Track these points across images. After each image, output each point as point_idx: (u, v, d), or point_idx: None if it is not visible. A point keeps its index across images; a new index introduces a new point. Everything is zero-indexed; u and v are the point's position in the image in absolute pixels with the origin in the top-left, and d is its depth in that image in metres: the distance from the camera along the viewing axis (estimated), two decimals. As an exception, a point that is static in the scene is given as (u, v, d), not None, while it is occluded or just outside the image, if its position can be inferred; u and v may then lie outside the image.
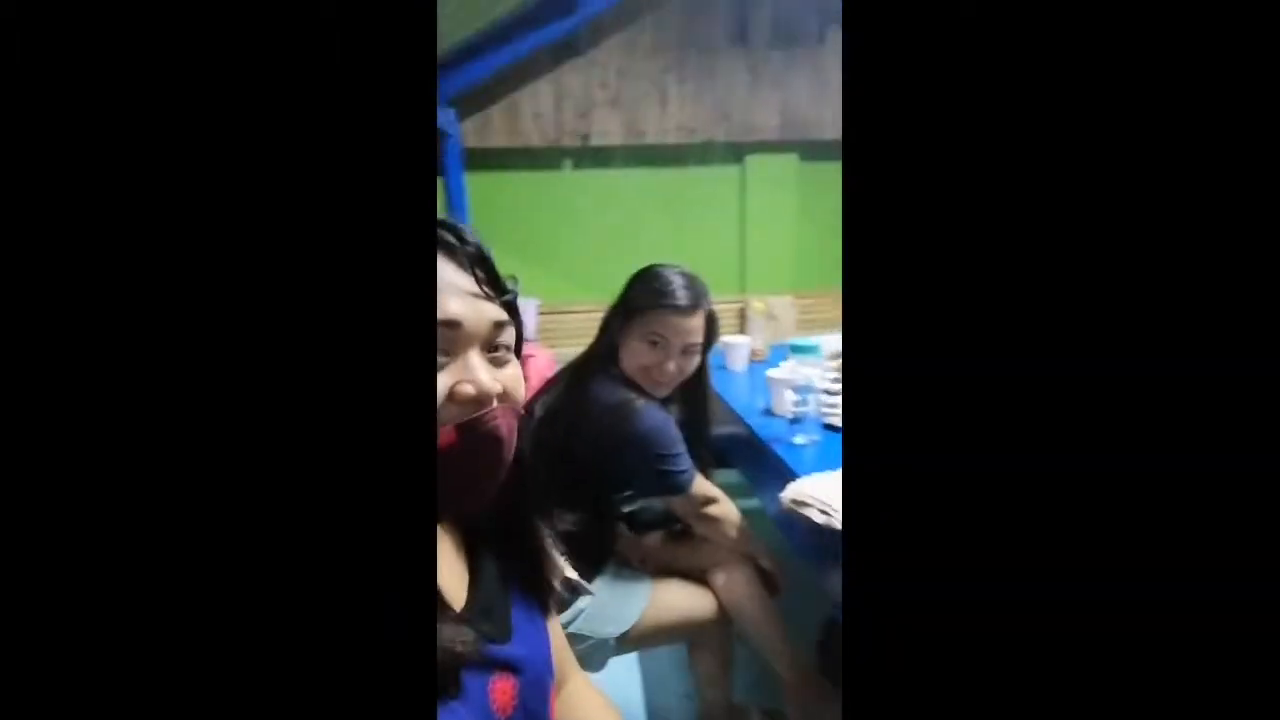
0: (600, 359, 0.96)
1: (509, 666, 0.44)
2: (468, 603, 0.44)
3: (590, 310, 2.23)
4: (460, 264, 0.40)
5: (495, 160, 2.17)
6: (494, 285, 0.41)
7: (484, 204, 2.15)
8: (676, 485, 0.92)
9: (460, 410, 0.38)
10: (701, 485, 0.95)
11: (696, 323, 0.94)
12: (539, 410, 0.95)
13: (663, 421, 0.91)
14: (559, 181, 2.26)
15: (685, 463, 0.92)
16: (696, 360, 0.97)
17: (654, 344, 0.93)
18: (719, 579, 1.02)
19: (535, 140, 2.16)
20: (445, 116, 1.85)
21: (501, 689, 0.43)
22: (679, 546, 1.07)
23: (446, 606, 0.41)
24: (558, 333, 2.24)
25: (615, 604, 0.94)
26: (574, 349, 2.43)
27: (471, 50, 1.82)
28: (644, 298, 0.94)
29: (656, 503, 1.10)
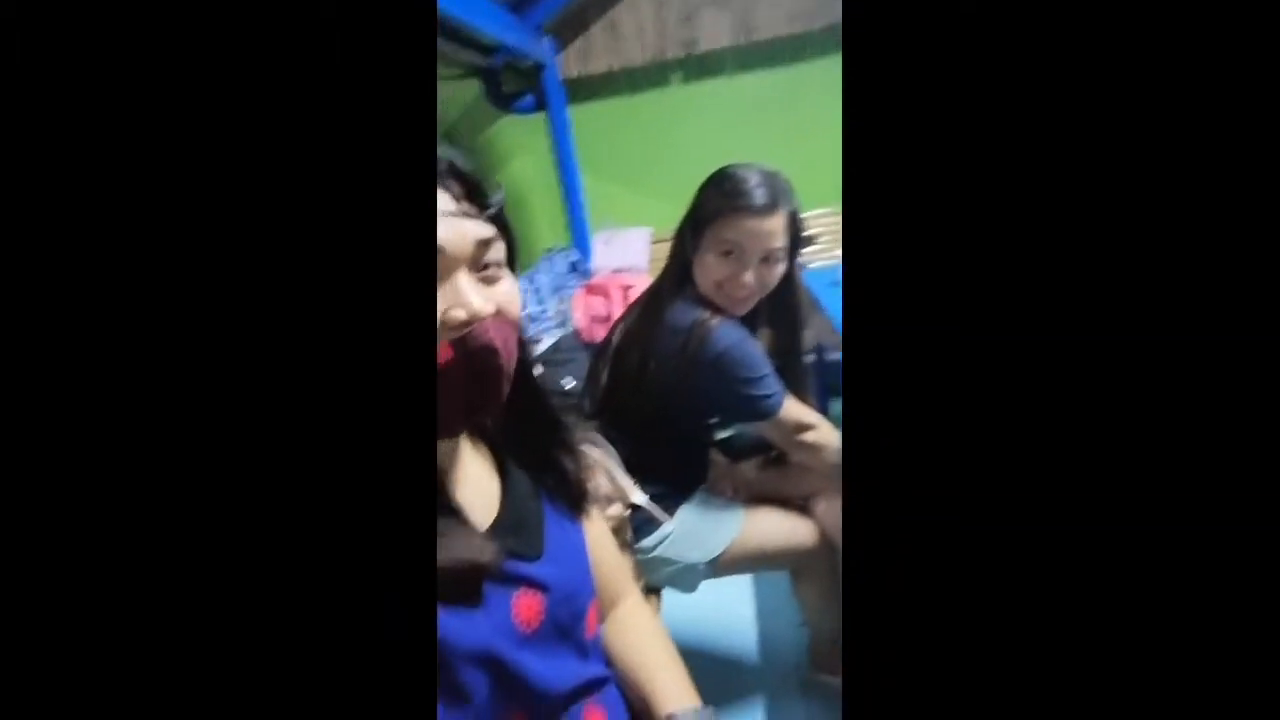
0: (674, 279, 0.88)
1: (536, 583, 0.45)
2: (497, 518, 0.45)
3: (706, 235, 2.14)
4: (443, 188, 0.38)
5: (598, 86, 2.10)
6: (474, 201, 0.39)
7: (590, 134, 2.11)
8: (762, 410, 0.84)
9: (454, 334, 0.37)
10: (794, 410, 0.86)
11: (776, 225, 0.81)
12: (616, 337, 0.92)
13: (739, 340, 0.82)
14: (667, 98, 2.13)
15: (772, 385, 0.84)
16: (780, 269, 0.85)
17: (727, 254, 0.82)
18: (820, 506, 0.95)
19: (639, 58, 2.05)
20: (540, 46, 1.81)
21: (527, 604, 0.44)
22: (777, 473, 1.01)
23: (469, 521, 0.42)
24: (673, 261, 2.18)
25: (705, 530, 0.92)
26: (690, 276, 2.37)
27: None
28: (713, 202, 0.83)
29: (750, 428, 1.03)
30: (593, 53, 2.04)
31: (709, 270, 0.84)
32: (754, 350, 0.84)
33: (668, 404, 0.86)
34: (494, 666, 0.41)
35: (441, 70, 1.93)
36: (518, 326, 0.43)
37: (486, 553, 0.41)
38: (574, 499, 0.53)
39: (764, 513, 0.95)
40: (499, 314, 0.40)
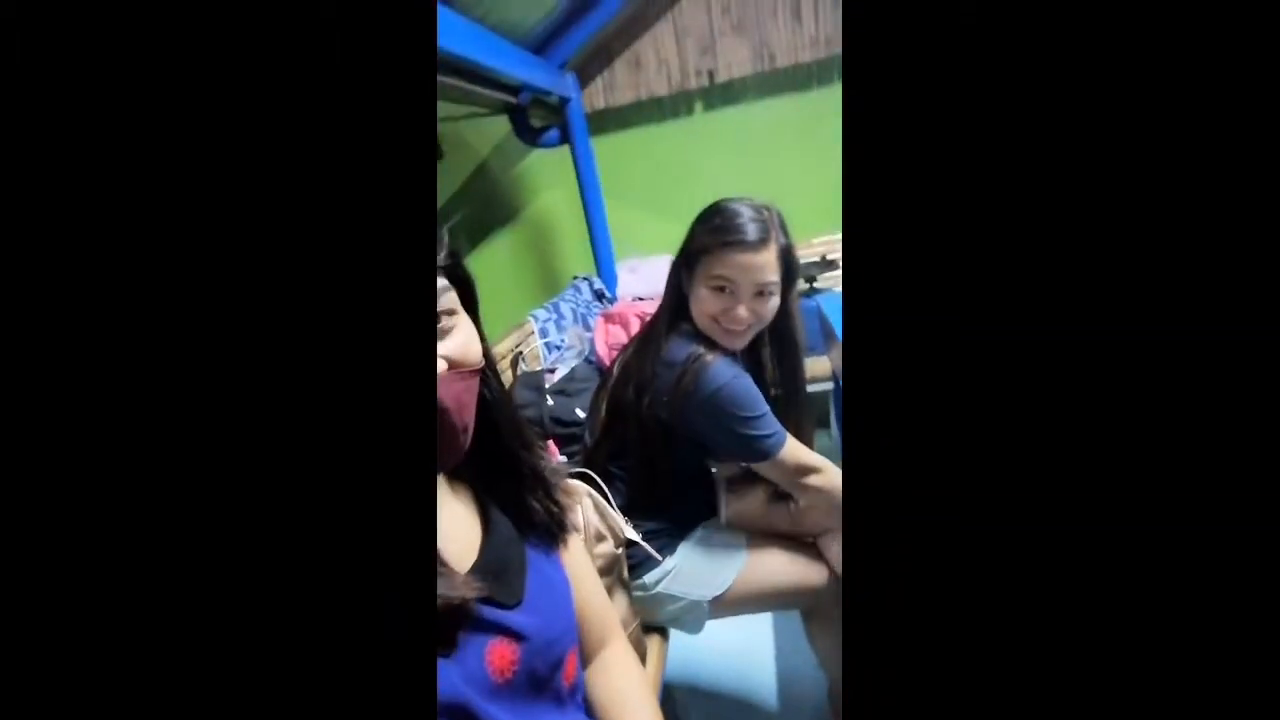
0: (670, 313, 0.88)
1: (512, 632, 0.44)
2: (475, 563, 0.45)
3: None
4: None
5: (622, 118, 2.15)
6: None
7: (614, 166, 2.15)
8: (760, 450, 0.82)
9: None
10: (795, 452, 0.84)
11: (768, 259, 0.81)
12: (615, 370, 0.93)
13: (732, 378, 0.81)
14: (690, 127, 2.16)
15: (770, 425, 0.83)
16: (774, 303, 0.85)
17: (720, 289, 0.82)
18: (830, 545, 0.92)
19: (661, 88, 2.09)
20: (565, 82, 1.87)
21: (500, 653, 0.43)
22: (783, 509, 0.98)
23: (447, 565, 0.42)
24: (697, 287, 2.18)
25: (708, 567, 0.90)
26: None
27: (580, 7, 1.80)
28: (705, 237, 0.83)
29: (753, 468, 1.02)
30: (617, 86, 2.09)
31: (703, 304, 0.84)
32: (749, 389, 0.83)
33: (664, 439, 0.86)
34: (463, 716, 0.40)
35: (471, 108, 2.02)
36: (475, 374, 0.43)
37: (463, 591, 0.41)
38: (550, 534, 0.52)
39: (770, 550, 0.92)
40: (453, 367, 0.40)
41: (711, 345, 0.85)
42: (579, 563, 0.56)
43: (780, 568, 0.91)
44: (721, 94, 2.10)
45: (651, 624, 0.93)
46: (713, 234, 0.83)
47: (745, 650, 1.28)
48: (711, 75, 2.06)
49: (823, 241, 2.06)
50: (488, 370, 0.47)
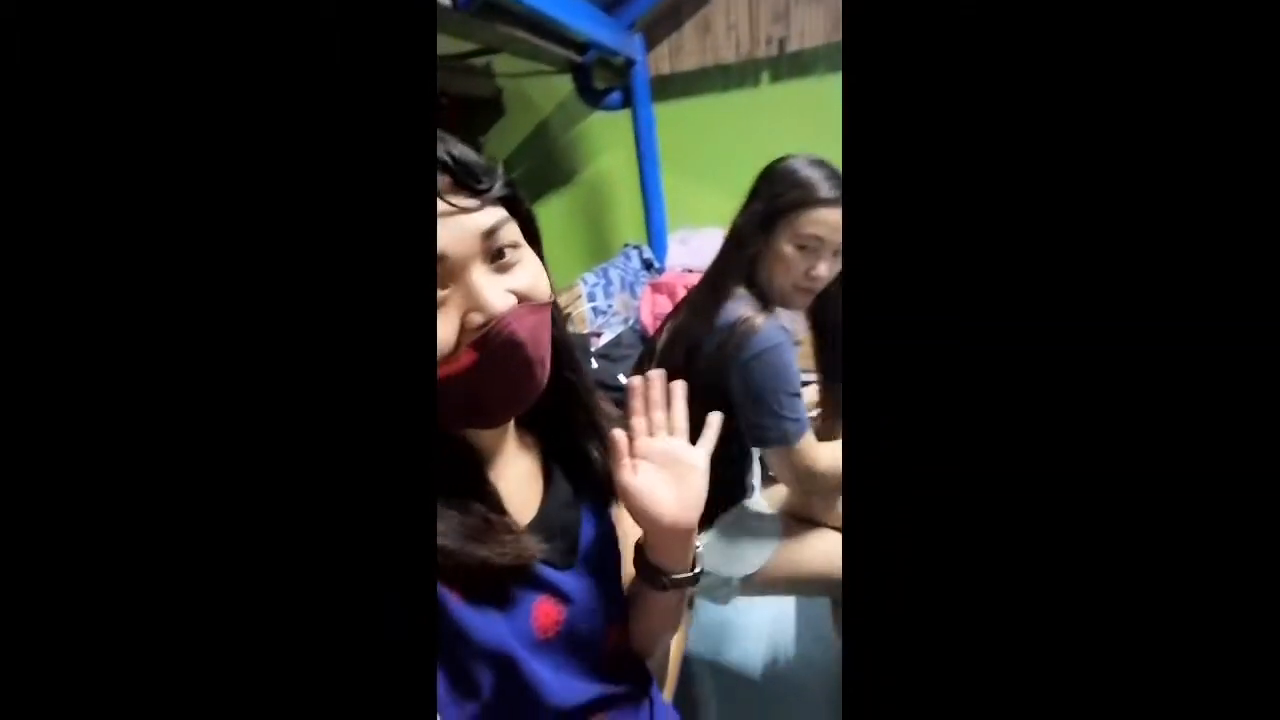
0: (726, 276, 0.86)
1: (560, 592, 0.44)
2: (532, 521, 0.45)
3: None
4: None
5: (688, 84, 2.09)
6: (469, 189, 0.36)
7: (674, 134, 2.11)
8: (779, 433, 0.79)
9: (479, 334, 0.36)
10: (811, 449, 0.81)
11: (840, 216, 0.79)
12: (665, 334, 0.92)
13: (780, 343, 0.79)
14: (755, 98, 2.09)
15: (798, 409, 0.80)
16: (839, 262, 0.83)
17: (804, 248, 0.80)
18: None
19: (729, 55, 2.02)
20: (631, 43, 1.83)
21: (546, 611, 0.43)
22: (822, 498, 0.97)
23: (504, 518, 0.42)
24: (748, 263, 2.14)
25: (739, 547, 0.90)
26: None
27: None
28: (789, 195, 0.81)
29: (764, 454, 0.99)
30: (684, 50, 2.04)
31: (788, 264, 0.82)
32: (792, 362, 0.80)
33: (705, 408, 0.85)
34: (505, 667, 0.40)
35: (537, 65, 2.00)
36: (547, 308, 0.40)
37: (527, 548, 0.40)
38: (607, 488, 0.50)
39: (804, 537, 0.91)
40: (522, 301, 0.38)
41: (763, 308, 0.83)
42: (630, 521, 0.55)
43: (812, 555, 0.90)
44: (790, 64, 2.02)
45: (679, 592, 0.93)
46: (799, 190, 0.80)
47: (769, 632, 1.28)
48: (782, 44, 1.97)
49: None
50: (555, 308, 0.44)
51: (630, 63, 1.84)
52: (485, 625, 0.40)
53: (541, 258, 0.42)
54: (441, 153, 0.35)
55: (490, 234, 0.37)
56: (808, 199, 0.79)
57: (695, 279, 1.64)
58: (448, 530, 0.38)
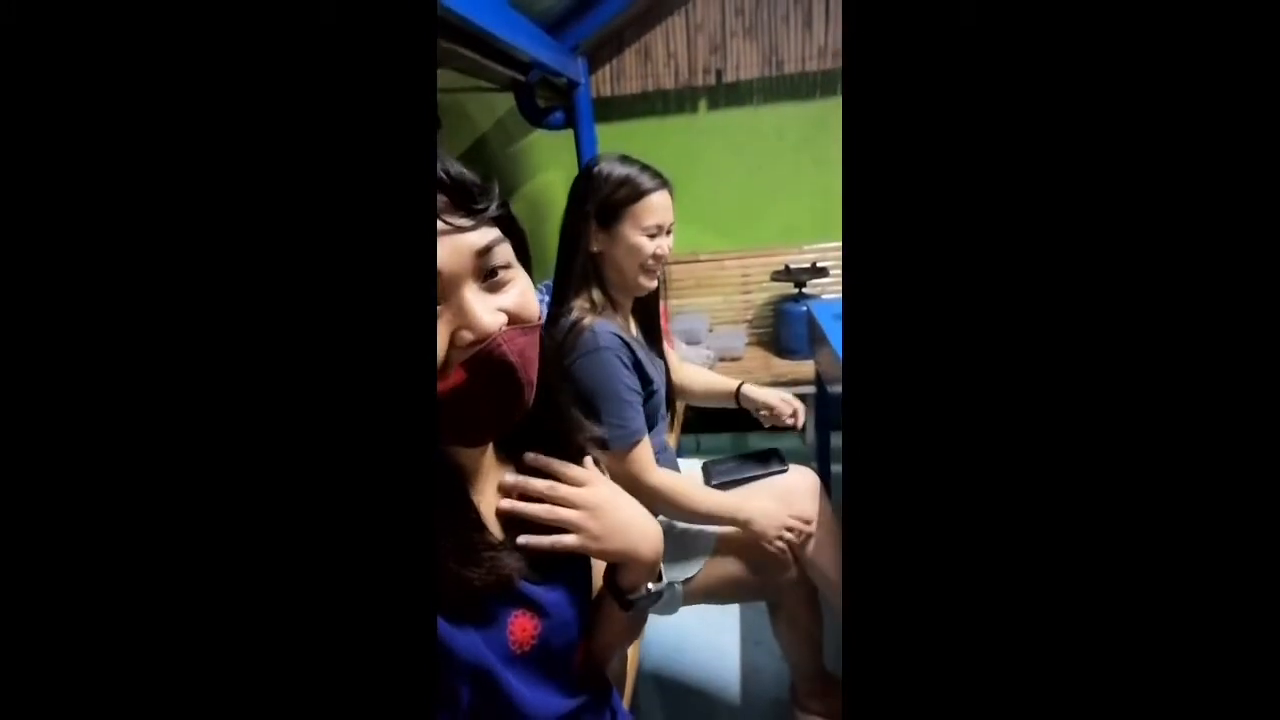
0: (574, 278, 0.91)
1: (536, 606, 0.44)
2: (509, 537, 0.44)
3: (721, 258, 2.16)
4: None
5: (628, 108, 2.15)
6: (465, 208, 0.36)
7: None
8: (608, 439, 0.80)
9: (468, 352, 0.37)
10: (637, 462, 0.85)
11: (666, 199, 0.92)
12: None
13: (610, 345, 0.85)
14: (693, 125, 2.17)
15: (623, 416, 0.83)
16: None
17: (653, 235, 0.89)
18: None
19: (668, 82, 2.09)
20: (575, 65, 1.86)
21: (522, 625, 0.44)
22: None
23: (483, 535, 0.42)
24: (685, 282, 2.20)
25: (679, 550, 0.93)
26: (704, 298, 2.38)
27: (599, -7, 1.80)
28: (620, 193, 0.89)
29: (733, 462, 1.04)
30: (625, 75, 2.09)
31: (640, 252, 0.89)
32: (621, 367, 0.85)
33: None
34: (482, 681, 0.41)
35: (478, 83, 1.99)
36: (536, 329, 0.41)
37: (504, 567, 0.41)
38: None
39: (737, 536, 0.94)
40: (512, 321, 0.38)
41: (599, 310, 0.89)
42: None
43: (749, 554, 0.93)
44: (727, 94, 2.12)
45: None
46: (627, 186, 0.89)
47: (710, 643, 1.31)
48: (719, 75, 2.07)
49: (815, 249, 2.10)
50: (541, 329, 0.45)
51: (574, 84, 1.87)
52: (463, 640, 0.40)
53: (531, 276, 0.43)
54: (439, 171, 0.36)
55: (484, 253, 0.37)
56: (644, 189, 0.89)
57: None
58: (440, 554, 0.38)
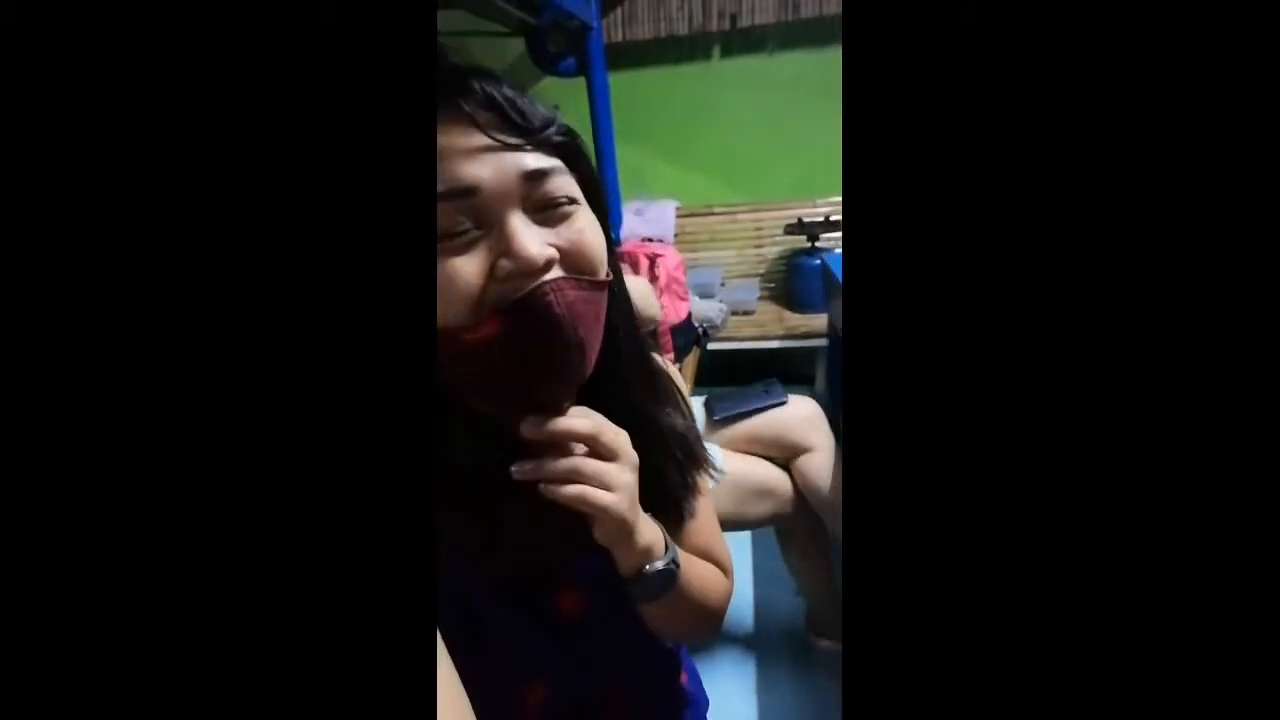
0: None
1: (585, 579, 0.43)
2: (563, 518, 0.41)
3: (734, 211, 2.15)
4: (464, 117, 0.32)
5: (640, 54, 2.10)
6: (517, 129, 0.32)
7: (627, 102, 2.12)
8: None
9: (511, 288, 0.32)
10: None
11: None
12: None
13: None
14: (706, 72, 2.13)
15: None
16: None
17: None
18: (801, 464, 0.98)
19: (681, 28, 2.04)
20: (588, 9, 1.81)
21: (570, 597, 0.43)
22: (756, 436, 1.03)
23: (530, 526, 0.39)
24: (699, 235, 2.20)
25: None
26: (717, 252, 2.38)
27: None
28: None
29: (733, 398, 1.06)
30: (637, 19, 2.04)
31: None
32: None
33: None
34: (529, 648, 0.41)
35: (489, 25, 1.93)
36: (600, 286, 0.35)
37: (545, 555, 0.40)
38: (673, 509, 0.43)
39: (744, 460, 0.97)
40: (566, 261, 0.33)
41: None
42: (701, 506, 0.47)
43: (754, 477, 0.96)
44: (741, 40, 2.07)
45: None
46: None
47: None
48: (734, 19, 2.02)
49: (828, 202, 2.09)
50: (615, 290, 0.38)
51: (586, 28, 1.82)
52: (508, 612, 0.39)
53: (603, 222, 0.37)
54: (491, 90, 0.33)
55: (535, 177, 0.33)
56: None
57: (656, 247, 1.68)
58: (475, 530, 0.37)
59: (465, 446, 0.36)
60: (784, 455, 1.00)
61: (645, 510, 0.41)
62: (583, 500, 0.34)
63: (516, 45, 2.01)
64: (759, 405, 1.02)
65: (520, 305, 0.31)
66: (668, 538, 0.41)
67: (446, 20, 2.07)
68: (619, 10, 2.03)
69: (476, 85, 0.33)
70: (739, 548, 1.41)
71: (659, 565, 0.39)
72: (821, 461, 0.97)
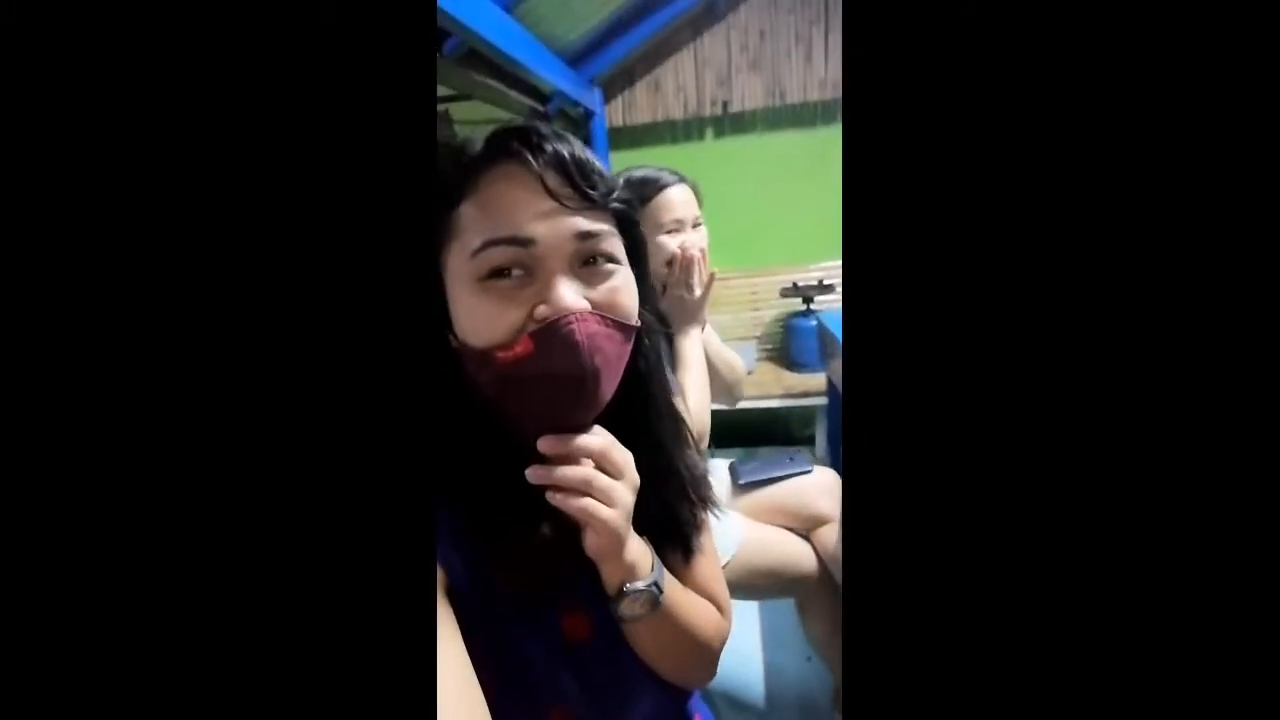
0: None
1: (591, 601, 0.43)
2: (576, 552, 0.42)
3: (730, 278, 2.24)
4: (533, 174, 0.36)
5: (639, 137, 2.26)
6: (578, 193, 0.36)
7: (628, 179, 2.25)
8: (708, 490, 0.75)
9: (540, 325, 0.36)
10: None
11: (684, 193, 0.90)
12: None
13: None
14: (701, 152, 2.28)
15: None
16: (704, 230, 0.92)
17: (674, 231, 0.89)
18: (828, 537, 0.99)
19: (677, 113, 2.21)
20: (592, 96, 1.97)
21: (576, 620, 0.43)
22: (778, 504, 1.03)
23: (547, 541, 0.40)
24: (697, 301, 2.27)
25: None
26: (715, 316, 2.43)
27: (614, 29, 1.92)
28: (635, 188, 0.85)
29: (758, 462, 1.08)
30: (636, 106, 2.21)
31: (663, 249, 0.88)
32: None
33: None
34: (538, 671, 0.41)
35: (496, 113, 2.10)
36: (623, 327, 0.38)
37: (552, 571, 0.40)
38: (680, 546, 0.47)
39: (766, 531, 0.97)
40: (598, 310, 0.37)
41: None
42: (704, 549, 0.50)
43: (775, 547, 0.96)
44: (733, 124, 2.24)
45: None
46: (646, 184, 0.89)
47: (733, 645, 1.32)
48: (725, 105, 2.19)
49: (820, 267, 2.18)
50: (645, 339, 0.42)
51: (589, 114, 1.98)
52: (519, 631, 0.40)
53: (643, 280, 0.41)
54: (563, 152, 0.36)
55: (586, 237, 0.37)
56: (655, 188, 0.89)
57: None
58: (498, 548, 0.38)
59: (485, 462, 0.40)
60: (805, 526, 1.00)
61: (655, 543, 0.44)
62: (586, 512, 0.37)
63: (524, 130, 2.18)
64: (784, 473, 1.02)
65: (547, 329, 0.35)
66: (657, 562, 0.43)
67: (463, 110, 2.24)
68: (620, 98, 2.21)
69: (550, 146, 0.36)
70: (748, 615, 1.37)
71: (640, 585, 0.41)
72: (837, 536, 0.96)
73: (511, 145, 0.37)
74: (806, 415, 2.02)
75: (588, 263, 0.37)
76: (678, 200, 0.89)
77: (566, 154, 0.37)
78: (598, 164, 0.38)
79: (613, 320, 0.37)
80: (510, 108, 2.00)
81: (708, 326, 0.96)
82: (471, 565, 0.39)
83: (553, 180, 0.36)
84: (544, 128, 0.38)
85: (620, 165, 2.20)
